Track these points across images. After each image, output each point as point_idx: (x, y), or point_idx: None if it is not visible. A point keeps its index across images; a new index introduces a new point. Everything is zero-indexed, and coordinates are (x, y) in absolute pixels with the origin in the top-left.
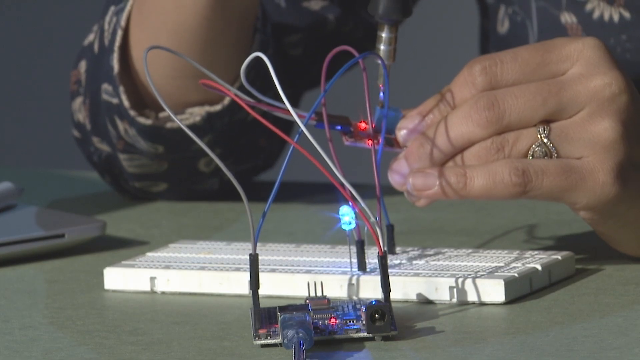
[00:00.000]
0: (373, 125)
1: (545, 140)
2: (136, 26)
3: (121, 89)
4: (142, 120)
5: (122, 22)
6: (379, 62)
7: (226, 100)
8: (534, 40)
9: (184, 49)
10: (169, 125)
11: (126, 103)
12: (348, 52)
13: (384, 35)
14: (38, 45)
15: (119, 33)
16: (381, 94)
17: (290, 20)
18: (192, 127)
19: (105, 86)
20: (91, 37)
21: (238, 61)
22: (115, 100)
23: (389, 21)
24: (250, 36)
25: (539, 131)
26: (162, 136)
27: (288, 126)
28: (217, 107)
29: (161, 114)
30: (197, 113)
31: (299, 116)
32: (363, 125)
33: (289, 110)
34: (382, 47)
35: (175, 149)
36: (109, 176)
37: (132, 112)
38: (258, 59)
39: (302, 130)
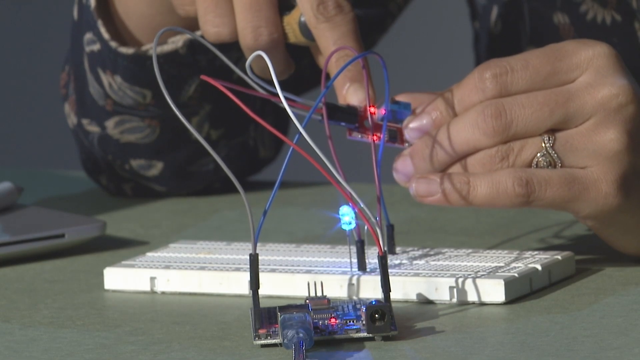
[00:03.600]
0: (383, 111)
1: (549, 150)
2: None
3: (100, 22)
4: (123, 50)
5: None
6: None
7: None
8: (526, 40)
9: None
10: (151, 53)
11: (106, 35)
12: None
13: None
14: (37, 45)
15: None
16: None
17: None
18: (174, 54)
19: (88, 36)
20: None
21: None
22: (97, 46)
23: None
24: None
25: (544, 141)
26: (147, 72)
27: (286, 122)
28: (199, 32)
29: (143, 47)
30: (179, 39)
31: (304, 107)
32: (372, 109)
33: (292, 101)
34: None
35: (163, 95)
36: (104, 174)
37: (113, 44)
38: None
39: (300, 133)
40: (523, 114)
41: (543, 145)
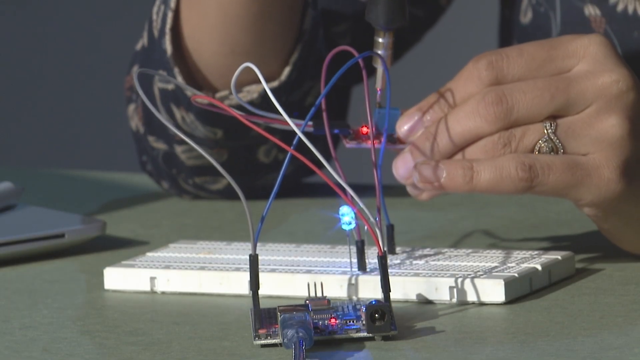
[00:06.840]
0: (374, 129)
1: (552, 136)
2: (186, 5)
3: (176, 70)
4: (198, 100)
5: (172, 4)
6: (378, 64)
7: (283, 76)
8: (556, 32)
9: (233, 23)
10: (226, 103)
11: (182, 84)
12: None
13: (380, 40)
14: (38, 44)
15: (170, 15)
16: (379, 93)
17: (337, 9)
18: (250, 103)
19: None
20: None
21: (287, 37)
22: (170, 86)
23: (384, 28)
24: (300, 12)
25: (546, 127)
26: (220, 117)
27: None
28: (274, 84)
29: (218, 94)
30: (254, 90)
31: (296, 125)
32: (365, 129)
33: (286, 121)
34: (379, 52)
35: (234, 133)
36: (166, 180)
37: (188, 93)
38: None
39: (299, 137)
40: (524, 100)
41: (545, 131)
